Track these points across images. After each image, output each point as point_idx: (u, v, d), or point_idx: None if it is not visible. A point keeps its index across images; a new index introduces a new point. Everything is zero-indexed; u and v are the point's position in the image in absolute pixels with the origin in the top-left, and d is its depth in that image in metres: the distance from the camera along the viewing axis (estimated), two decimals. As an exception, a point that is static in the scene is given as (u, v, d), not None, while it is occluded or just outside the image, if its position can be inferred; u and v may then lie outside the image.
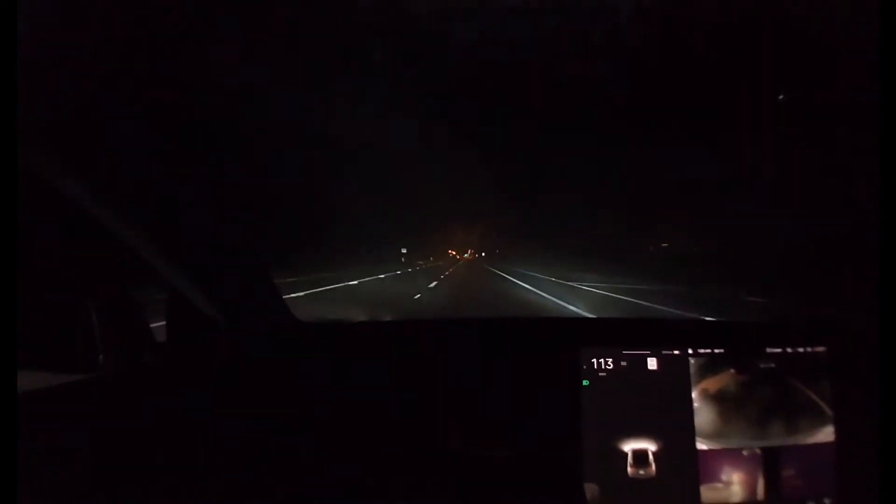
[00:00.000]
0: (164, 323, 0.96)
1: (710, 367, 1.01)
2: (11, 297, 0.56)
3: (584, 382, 1.00)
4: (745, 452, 0.98)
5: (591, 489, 0.95)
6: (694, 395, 1.00)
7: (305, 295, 8.03)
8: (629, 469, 0.96)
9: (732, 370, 1.01)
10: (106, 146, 0.71)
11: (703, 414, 0.99)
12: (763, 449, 0.99)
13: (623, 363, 1.01)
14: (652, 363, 1.01)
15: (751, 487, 0.98)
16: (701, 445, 0.98)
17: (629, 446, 0.97)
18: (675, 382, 1.00)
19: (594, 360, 1.01)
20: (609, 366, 1.01)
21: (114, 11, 0.64)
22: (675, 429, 0.99)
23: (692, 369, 1.01)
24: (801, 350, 1.04)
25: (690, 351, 1.02)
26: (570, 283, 12.66)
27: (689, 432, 0.98)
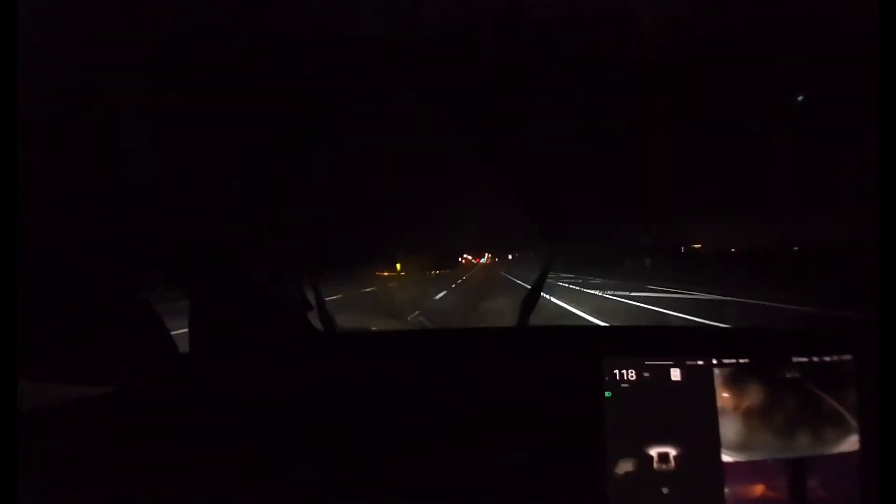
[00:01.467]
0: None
1: (736, 377, 0.99)
2: (12, 301, 0.55)
3: (607, 394, 0.98)
4: (770, 464, 0.97)
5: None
6: (719, 406, 0.98)
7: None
8: (652, 482, 0.95)
9: (758, 380, 0.99)
10: (131, 153, 0.69)
11: (729, 425, 0.97)
12: (789, 460, 0.97)
13: (646, 374, 0.99)
14: (675, 374, 0.99)
15: (777, 499, 0.96)
16: (726, 457, 0.96)
17: (654, 457, 0.96)
18: (699, 393, 0.98)
19: (616, 371, 0.98)
20: (632, 377, 0.98)
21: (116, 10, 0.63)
22: (699, 441, 0.97)
23: (717, 380, 0.99)
24: (827, 359, 1.01)
25: (715, 361, 0.99)
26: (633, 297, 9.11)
27: (715, 444, 0.96)
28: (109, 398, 0.80)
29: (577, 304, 8.07)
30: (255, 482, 0.89)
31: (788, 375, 0.99)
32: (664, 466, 0.95)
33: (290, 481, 0.90)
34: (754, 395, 0.98)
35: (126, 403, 0.82)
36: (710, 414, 0.97)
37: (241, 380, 0.96)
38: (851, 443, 0.99)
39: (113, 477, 0.77)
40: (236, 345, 0.97)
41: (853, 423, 1.00)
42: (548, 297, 8.87)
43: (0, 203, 0.53)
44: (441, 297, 9.55)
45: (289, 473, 0.91)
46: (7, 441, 0.53)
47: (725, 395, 0.98)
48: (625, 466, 0.95)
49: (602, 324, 5.85)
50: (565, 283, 12.85)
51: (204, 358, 0.94)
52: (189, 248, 0.83)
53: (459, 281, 15.31)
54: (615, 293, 9.90)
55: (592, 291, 10.57)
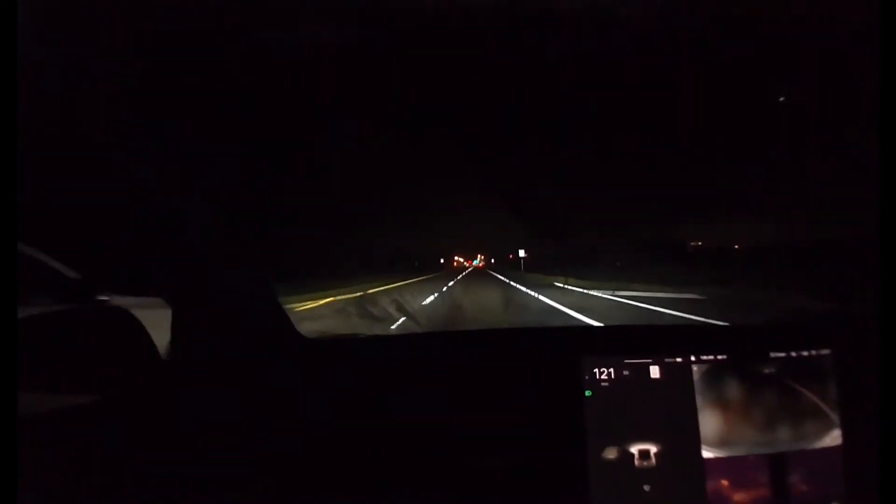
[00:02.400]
0: None
1: (714, 373, 1.00)
2: (12, 301, 0.56)
3: (587, 392, 0.99)
4: (751, 459, 0.97)
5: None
6: (698, 402, 0.99)
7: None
8: (634, 480, 0.95)
9: (736, 376, 1.00)
10: (107, 150, 0.70)
11: (708, 421, 0.98)
12: (770, 455, 0.98)
13: (625, 372, 1.00)
14: (655, 371, 1.00)
15: (759, 494, 0.97)
16: (707, 453, 0.97)
17: (635, 454, 0.97)
18: (678, 391, 0.99)
19: (596, 370, 1.00)
20: (611, 375, 1.00)
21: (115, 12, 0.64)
22: (680, 438, 0.97)
23: (696, 377, 1.00)
24: (805, 354, 1.02)
25: (693, 358, 1.01)
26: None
27: (695, 441, 0.97)
28: (94, 406, 0.81)
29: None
30: (239, 485, 0.90)
31: (767, 371, 1.00)
32: (645, 463, 0.96)
33: (272, 485, 0.91)
34: (733, 391, 0.99)
35: (110, 410, 0.82)
36: (690, 410, 0.98)
37: (225, 385, 0.97)
38: (833, 437, 1.00)
39: (101, 482, 0.78)
40: (219, 351, 0.98)
41: (834, 417, 1.01)
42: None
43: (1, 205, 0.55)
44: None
45: (270, 477, 0.92)
46: (7, 442, 0.54)
47: (704, 391, 0.99)
48: (606, 464, 0.96)
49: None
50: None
51: (186, 364, 0.95)
52: (170, 252, 0.84)
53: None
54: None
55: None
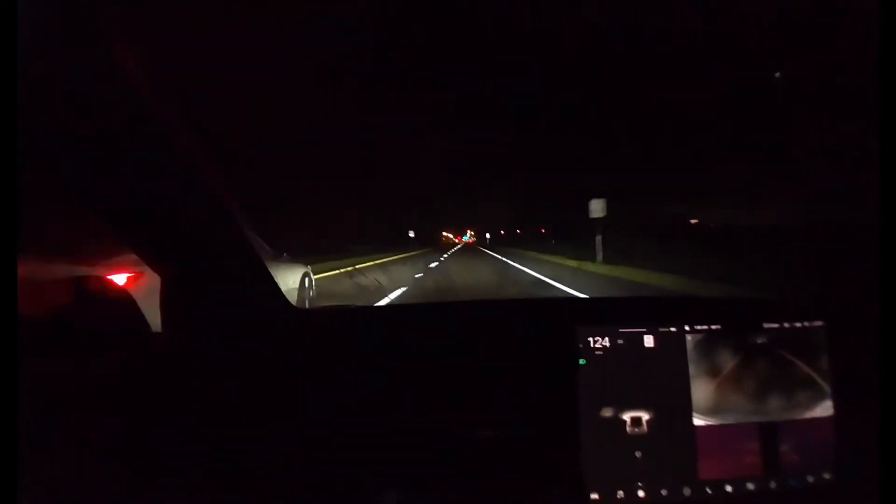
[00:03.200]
0: None
1: (708, 343, 1.01)
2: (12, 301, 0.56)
3: (581, 361, 0.99)
4: (742, 428, 0.98)
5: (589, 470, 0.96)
6: (691, 371, 0.99)
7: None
8: (625, 446, 0.97)
9: (730, 346, 1.00)
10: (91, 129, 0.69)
11: (700, 390, 0.99)
12: (761, 424, 0.99)
13: (620, 341, 1.00)
14: (649, 340, 1.01)
15: (749, 462, 0.98)
16: (698, 421, 0.98)
17: (627, 421, 0.98)
18: (672, 359, 1.00)
19: (590, 339, 1.00)
20: (606, 344, 1.00)
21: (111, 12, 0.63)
22: (672, 405, 0.98)
23: (689, 346, 1.00)
24: (798, 325, 1.03)
25: (687, 328, 1.01)
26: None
27: (687, 408, 0.98)
28: (87, 380, 0.80)
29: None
30: (233, 459, 0.90)
31: (759, 341, 1.01)
32: (637, 430, 0.97)
33: (265, 458, 0.92)
34: (726, 361, 1.00)
35: (102, 383, 0.82)
36: (683, 379, 0.99)
37: (217, 357, 0.97)
38: (825, 408, 1.01)
39: (92, 455, 0.78)
40: (210, 322, 0.97)
41: (825, 388, 1.02)
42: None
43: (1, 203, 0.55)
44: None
45: (263, 450, 0.92)
46: (7, 440, 0.54)
47: (697, 360, 1.00)
48: (599, 431, 0.97)
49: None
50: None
51: (178, 336, 0.95)
52: (160, 225, 0.83)
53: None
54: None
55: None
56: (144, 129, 0.71)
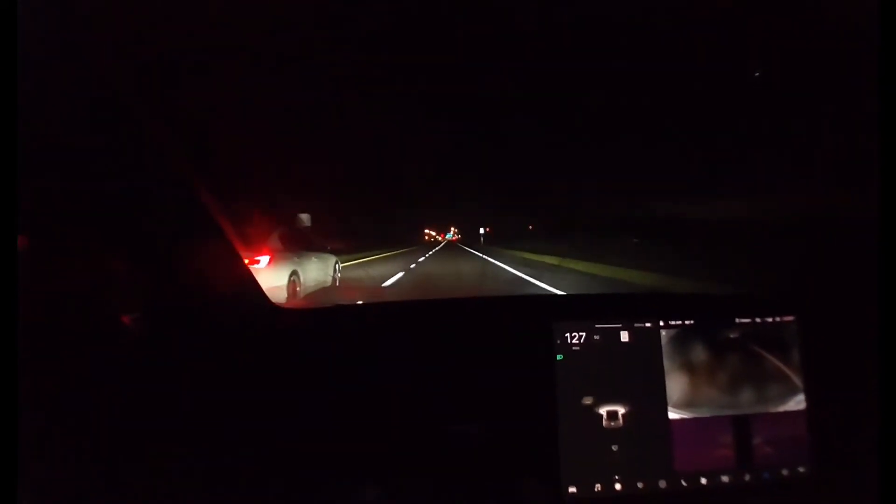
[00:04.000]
0: None
1: (682, 338, 1.03)
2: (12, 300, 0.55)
3: (559, 356, 1.00)
4: (716, 420, 1.00)
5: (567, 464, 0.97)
6: (666, 365, 1.01)
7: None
8: (602, 440, 0.98)
9: (703, 341, 1.03)
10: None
11: (676, 384, 1.01)
12: (735, 417, 1.01)
13: (596, 336, 1.02)
14: (624, 336, 1.02)
15: (724, 455, 1.00)
16: (673, 414, 1.00)
17: (604, 415, 0.99)
18: (647, 354, 1.02)
19: (567, 335, 1.01)
20: (582, 339, 1.01)
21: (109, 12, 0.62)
22: (648, 399, 1.00)
23: (664, 341, 1.02)
24: (770, 320, 1.05)
25: (662, 323, 1.03)
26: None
27: (662, 402, 1.00)
28: (66, 380, 0.79)
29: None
30: (214, 456, 0.90)
31: (732, 335, 1.03)
32: (613, 424, 0.98)
33: (245, 452, 0.91)
34: (700, 355, 1.02)
35: (83, 382, 0.81)
36: (658, 373, 1.01)
37: (196, 353, 0.96)
38: (797, 402, 1.03)
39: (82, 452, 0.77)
40: (194, 321, 0.96)
41: (797, 382, 1.04)
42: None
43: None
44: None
45: (244, 445, 0.92)
46: (7, 441, 0.53)
47: (672, 355, 1.02)
48: (576, 425, 0.98)
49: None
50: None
51: (162, 335, 0.93)
52: (147, 223, 0.82)
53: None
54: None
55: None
56: (119, 126, 0.70)
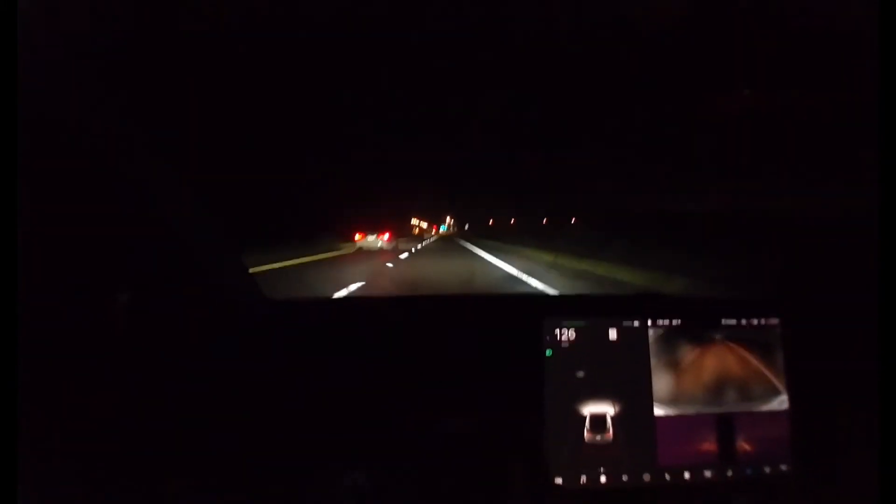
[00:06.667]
0: None
1: (668, 337, 1.05)
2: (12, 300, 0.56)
3: (547, 352, 1.02)
4: (700, 418, 1.03)
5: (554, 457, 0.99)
6: (652, 363, 1.04)
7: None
8: (587, 434, 1.00)
9: (689, 340, 1.06)
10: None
11: (661, 381, 1.04)
12: (718, 415, 1.04)
13: (585, 334, 1.05)
14: (612, 334, 1.05)
15: (707, 451, 1.02)
16: (659, 411, 1.02)
17: (588, 412, 1.01)
18: (634, 352, 1.05)
19: (557, 331, 1.04)
20: (571, 336, 1.04)
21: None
22: (634, 396, 1.03)
23: (651, 339, 1.05)
24: (755, 322, 1.08)
25: (649, 322, 1.06)
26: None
27: (648, 399, 1.03)
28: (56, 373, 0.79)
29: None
30: (198, 452, 0.91)
31: (717, 336, 1.06)
32: (600, 420, 1.01)
33: (231, 449, 0.92)
34: (685, 354, 1.05)
35: (72, 375, 0.81)
36: (644, 371, 1.03)
37: (187, 346, 0.96)
38: (780, 402, 1.06)
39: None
40: (178, 312, 0.96)
41: (780, 382, 1.07)
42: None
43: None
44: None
45: (229, 442, 0.93)
46: (7, 441, 0.54)
47: (658, 353, 1.05)
48: (563, 420, 1.01)
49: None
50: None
51: (145, 328, 0.94)
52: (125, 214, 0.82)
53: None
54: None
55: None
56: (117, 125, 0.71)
